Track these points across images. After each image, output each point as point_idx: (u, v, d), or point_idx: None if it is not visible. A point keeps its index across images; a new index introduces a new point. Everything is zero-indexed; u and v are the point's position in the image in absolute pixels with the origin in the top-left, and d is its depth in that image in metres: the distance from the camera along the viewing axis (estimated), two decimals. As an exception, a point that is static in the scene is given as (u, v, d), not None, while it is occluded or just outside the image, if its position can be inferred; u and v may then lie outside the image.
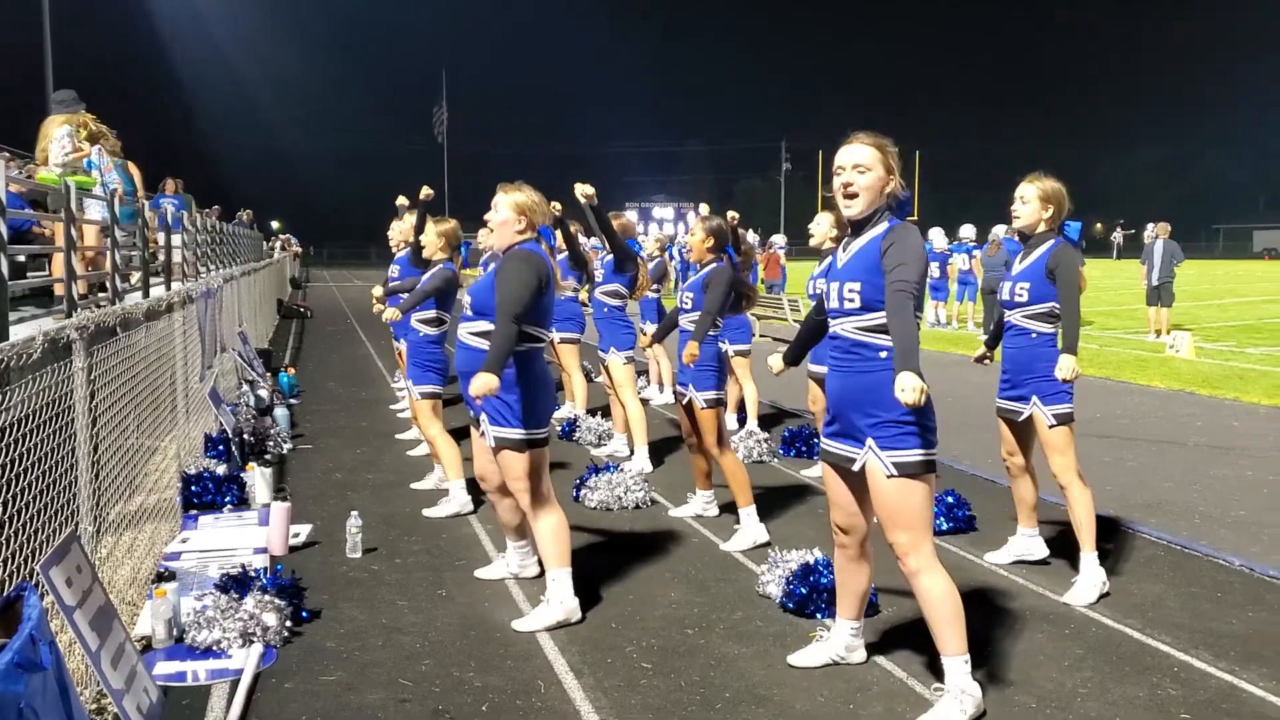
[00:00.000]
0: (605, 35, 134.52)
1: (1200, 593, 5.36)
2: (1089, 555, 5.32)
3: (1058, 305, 5.28)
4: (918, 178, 61.35)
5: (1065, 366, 5.21)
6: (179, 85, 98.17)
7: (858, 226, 3.99)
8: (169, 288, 9.45)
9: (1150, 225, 20.03)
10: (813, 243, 7.20)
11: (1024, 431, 5.52)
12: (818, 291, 6.83)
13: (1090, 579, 5.28)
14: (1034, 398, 5.35)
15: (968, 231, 22.26)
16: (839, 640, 4.40)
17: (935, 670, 4.11)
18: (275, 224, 54.48)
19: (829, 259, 4.74)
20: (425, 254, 7.44)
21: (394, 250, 9.34)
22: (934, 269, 20.52)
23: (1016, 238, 5.57)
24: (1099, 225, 77.73)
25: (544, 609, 4.94)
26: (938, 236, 21.78)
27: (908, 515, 3.87)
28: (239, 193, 59.00)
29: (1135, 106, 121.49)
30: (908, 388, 3.51)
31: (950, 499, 6.52)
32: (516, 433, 4.89)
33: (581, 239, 9.79)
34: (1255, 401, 11.71)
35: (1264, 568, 5.72)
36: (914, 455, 3.84)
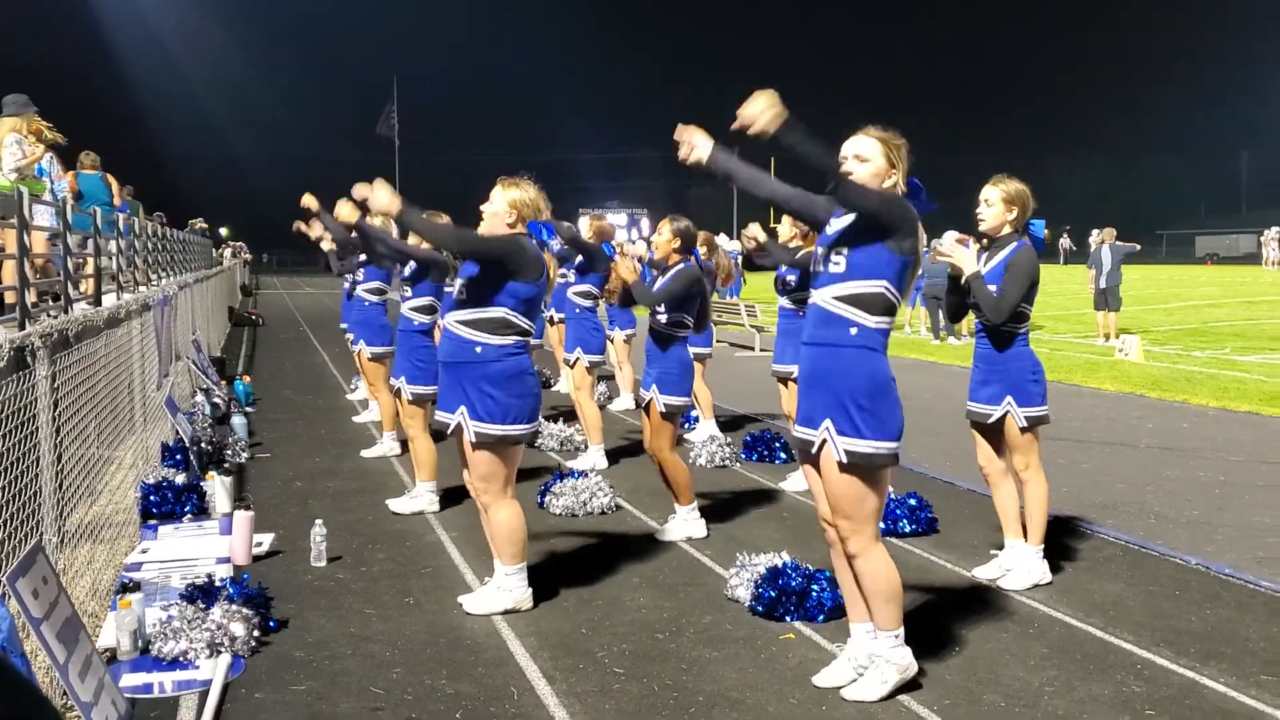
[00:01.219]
0: (557, 42, 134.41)
1: (1159, 591, 5.46)
2: (1036, 548, 5.46)
3: (1025, 304, 5.31)
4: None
5: (953, 244, 5.34)
6: (125, 88, 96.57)
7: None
8: (120, 296, 9.31)
9: (1095, 231, 20.34)
10: (780, 240, 7.31)
11: (997, 434, 5.47)
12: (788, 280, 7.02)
13: (1028, 568, 5.43)
14: (1008, 397, 5.34)
15: (920, 238, 22.50)
16: (858, 648, 4.21)
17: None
18: (224, 231, 53.82)
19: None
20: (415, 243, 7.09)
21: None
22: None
23: (974, 241, 5.54)
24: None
25: (496, 594, 5.01)
26: None
27: (854, 505, 3.92)
28: (187, 197, 58.28)
29: (1079, 114, 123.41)
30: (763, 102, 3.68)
31: (912, 501, 6.58)
32: (496, 429, 4.90)
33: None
34: (1204, 404, 11.94)
35: (1219, 566, 5.83)
36: (868, 446, 3.85)
